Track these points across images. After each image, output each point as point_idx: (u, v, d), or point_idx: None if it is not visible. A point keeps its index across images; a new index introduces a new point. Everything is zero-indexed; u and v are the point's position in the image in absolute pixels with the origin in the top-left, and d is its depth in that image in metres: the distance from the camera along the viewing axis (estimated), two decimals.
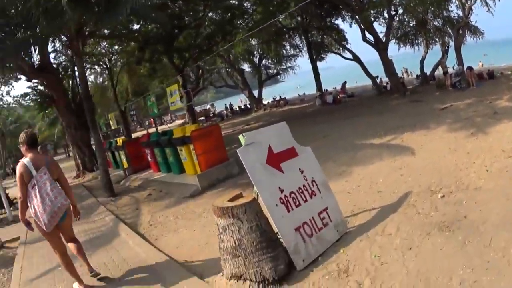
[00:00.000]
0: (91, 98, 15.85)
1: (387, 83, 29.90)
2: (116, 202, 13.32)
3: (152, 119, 47.74)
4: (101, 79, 39.69)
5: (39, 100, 27.79)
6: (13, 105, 52.86)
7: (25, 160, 5.58)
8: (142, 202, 12.46)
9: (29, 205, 5.54)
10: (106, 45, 29.40)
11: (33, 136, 5.94)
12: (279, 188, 5.14)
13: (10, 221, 14.11)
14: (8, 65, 16.45)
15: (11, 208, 14.57)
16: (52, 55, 24.85)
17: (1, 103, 51.28)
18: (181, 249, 7.29)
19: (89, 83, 41.49)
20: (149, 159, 16.23)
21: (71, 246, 6.08)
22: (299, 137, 13.61)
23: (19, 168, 5.57)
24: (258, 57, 44.06)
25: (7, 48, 13.14)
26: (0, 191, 14.86)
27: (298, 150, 5.70)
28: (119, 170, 19.82)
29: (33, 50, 15.70)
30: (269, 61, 44.87)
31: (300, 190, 5.35)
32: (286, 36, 35.86)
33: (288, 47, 39.76)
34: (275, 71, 47.10)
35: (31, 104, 31.41)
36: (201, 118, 48.87)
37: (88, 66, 31.98)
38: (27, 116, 55.75)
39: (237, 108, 51.05)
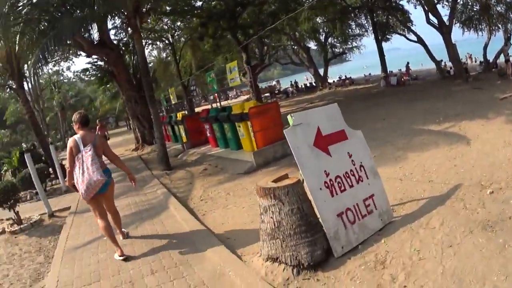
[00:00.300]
0: (149, 73, 16.10)
1: (450, 68, 28.79)
2: (170, 176, 13.48)
3: (216, 94, 48.27)
4: (164, 54, 40.27)
5: (99, 75, 28.55)
6: (74, 80, 54.65)
7: (76, 136, 6.31)
8: (196, 176, 12.53)
9: (74, 174, 6.24)
10: (169, 22, 29.66)
11: (85, 117, 6.61)
12: (325, 171, 4.94)
13: (64, 191, 14.59)
14: (67, 42, 16.77)
15: (65, 179, 15.07)
16: (112, 32, 25.44)
17: (61, 78, 53.11)
18: (226, 226, 7.28)
19: (152, 58, 42.47)
20: (208, 134, 16.25)
21: (111, 218, 6.85)
22: (359, 118, 13.33)
23: (70, 142, 6.32)
24: (324, 35, 43.39)
25: (63, 26, 13.45)
26: (55, 162, 15.36)
27: (348, 133, 5.43)
28: (178, 144, 20.02)
29: (91, 27, 16.03)
30: (335, 39, 44.07)
31: (347, 175, 5.13)
32: (352, 15, 35.15)
33: (353, 26, 39.08)
34: (340, 50, 46.24)
35: (92, 78, 32.13)
36: (266, 94, 49.35)
37: (150, 42, 32.48)
38: (88, 90, 57.40)
39: (302, 86, 50.71)
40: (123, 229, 7.37)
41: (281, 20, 22.36)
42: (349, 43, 43.21)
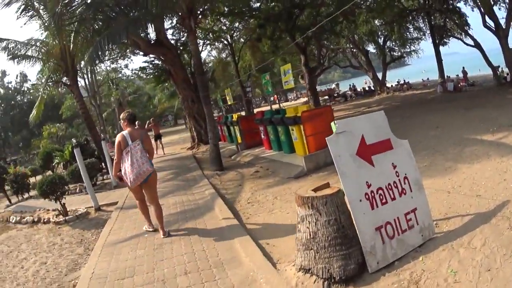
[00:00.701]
0: (204, 73, 16.33)
1: (507, 74, 27.66)
2: (221, 177, 13.52)
3: (275, 96, 48.27)
4: (224, 55, 40.63)
5: (156, 73, 28.99)
6: (132, 77, 55.93)
7: (124, 132, 7.32)
8: (247, 178, 12.55)
9: (121, 166, 7.26)
10: (227, 22, 29.84)
11: (132, 115, 7.69)
12: (367, 182, 4.74)
13: (113, 186, 14.90)
14: (121, 41, 17.15)
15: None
16: (170, 31, 25.80)
17: (119, 75, 54.40)
18: (268, 231, 7.22)
19: (212, 58, 42.94)
20: (262, 136, 16.30)
21: (153, 210, 7.71)
22: (412, 125, 12.98)
23: (118, 137, 7.37)
24: (382, 38, 42.66)
25: (117, 26, 13.74)
26: (106, 157, 15.69)
27: (394, 143, 5.17)
28: (233, 144, 20.15)
29: (146, 27, 16.32)
30: (393, 43, 43.24)
31: (390, 187, 4.90)
32: (409, 18, 34.49)
33: (411, 29, 38.33)
34: (399, 53, 45.29)
35: (149, 77, 32.73)
36: (325, 97, 48.95)
37: (208, 42, 32.77)
38: (147, 88, 58.50)
39: (361, 90, 50.18)
40: (165, 228, 7.70)
41: (349, 25, 22.19)
42: (407, 46, 42.33)
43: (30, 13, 18.25)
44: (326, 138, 4.78)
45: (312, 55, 36.17)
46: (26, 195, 19.06)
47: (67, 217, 10.70)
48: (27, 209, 13.71)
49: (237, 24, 30.24)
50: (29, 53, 19.14)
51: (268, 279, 4.94)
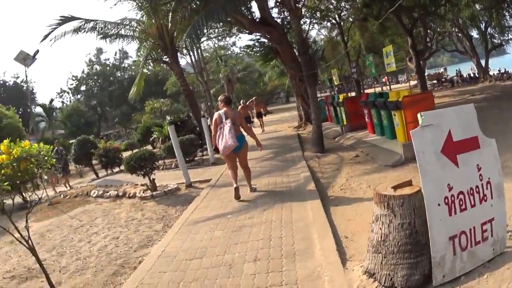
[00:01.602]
0: (306, 52, 16.11)
1: None
2: (320, 159, 13.32)
3: (386, 77, 47.12)
4: (334, 34, 40.13)
5: (263, 51, 29.08)
6: (240, 55, 56.59)
7: (221, 111, 9.30)
8: (345, 163, 12.23)
9: (216, 139, 9.15)
10: (333, 1, 29.34)
11: (228, 97, 9.78)
12: (448, 185, 4.24)
13: (211, 163, 15.24)
14: (220, 20, 17.33)
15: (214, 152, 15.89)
16: (275, 10, 25.73)
17: (228, 52, 55.24)
18: (351, 223, 6.94)
19: (322, 37, 42.52)
20: (366, 119, 15.89)
21: (243, 171, 9.62)
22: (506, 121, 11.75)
23: (215, 115, 9.40)
24: (483, 24, 39.85)
25: (217, 4, 13.84)
26: (206, 133, 16.04)
27: (481, 142, 4.52)
28: (339, 126, 19.86)
29: (245, 5, 16.35)
30: (493, 30, 40.15)
31: (471, 192, 4.33)
32: (505, 5, 32.03)
33: (507, 17, 35.47)
34: (499, 41, 42.10)
35: (256, 55, 33.00)
36: (434, 81, 47.51)
37: (315, 21, 32.46)
38: (257, 65, 58.99)
39: (467, 76, 47.81)
40: (252, 185, 9.82)
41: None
42: (505, 34, 39.22)
43: None
44: (410, 132, 4.33)
45: (420, 37, 34.67)
46: (116, 169, 20.08)
47: (154, 193, 11.14)
48: (113, 183, 14.38)
49: (343, 4, 29.58)
50: (122, 32, 20.05)
51: (332, 277, 4.76)
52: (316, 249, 5.63)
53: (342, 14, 32.00)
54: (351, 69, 29.27)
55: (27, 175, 5.74)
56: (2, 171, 5.39)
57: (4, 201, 5.80)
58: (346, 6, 30.23)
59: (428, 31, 35.76)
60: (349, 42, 34.24)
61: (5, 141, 5.71)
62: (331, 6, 30.32)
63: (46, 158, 5.92)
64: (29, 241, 5.81)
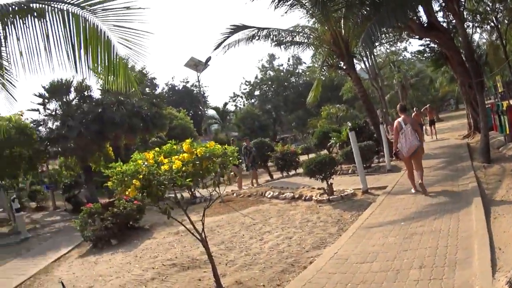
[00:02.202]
0: (473, 59, 15.81)
1: None
2: (486, 170, 12.80)
3: None
4: (493, 37, 37.91)
5: (433, 57, 28.52)
6: (412, 60, 55.15)
7: (400, 119, 10.96)
8: (507, 174, 11.54)
9: (398, 144, 10.81)
10: (489, 2, 27.81)
11: (403, 106, 12.04)
12: None
13: (387, 170, 15.58)
14: (391, 26, 17.42)
15: (391, 158, 16.13)
16: (440, 14, 25.13)
17: (400, 58, 54.21)
18: (505, 234, 6.69)
19: (484, 41, 40.23)
20: None
21: (416, 172, 10.84)
22: None
23: (395, 122, 11.10)
24: None
25: (387, 11, 14.20)
26: (383, 140, 16.85)
27: None
28: (502, 134, 18.99)
29: (413, 10, 16.37)
30: None
31: None
32: None
33: None
34: None
35: (427, 60, 32.35)
36: None
37: (476, 24, 31.03)
38: (428, 71, 57.14)
39: None
40: (422, 183, 10.58)
41: None
42: None
43: (290, 1, 19.45)
44: None
45: None
46: (292, 172, 20.71)
47: (331, 197, 11.52)
48: (289, 185, 15.02)
49: (497, 5, 27.80)
50: (296, 39, 20.80)
51: (481, 287, 4.89)
52: (475, 259, 5.73)
53: (498, 16, 30.02)
54: None
55: (207, 173, 6.40)
56: (184, 168, 5.98)
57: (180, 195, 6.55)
58: (500, 8, 28.35)
59: None
60: (507, 46, 31.94)
61: (187, 140, 6.38)
62: (488, 8, 28.68)
63: (231, 158, 6.57)
64: (203, 233, 6.52)
